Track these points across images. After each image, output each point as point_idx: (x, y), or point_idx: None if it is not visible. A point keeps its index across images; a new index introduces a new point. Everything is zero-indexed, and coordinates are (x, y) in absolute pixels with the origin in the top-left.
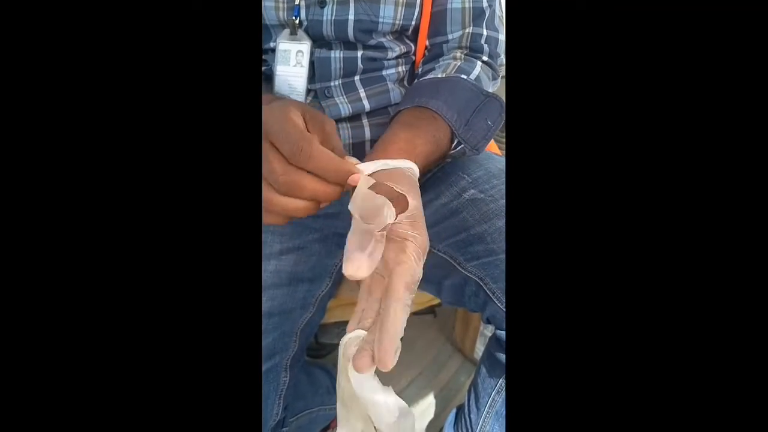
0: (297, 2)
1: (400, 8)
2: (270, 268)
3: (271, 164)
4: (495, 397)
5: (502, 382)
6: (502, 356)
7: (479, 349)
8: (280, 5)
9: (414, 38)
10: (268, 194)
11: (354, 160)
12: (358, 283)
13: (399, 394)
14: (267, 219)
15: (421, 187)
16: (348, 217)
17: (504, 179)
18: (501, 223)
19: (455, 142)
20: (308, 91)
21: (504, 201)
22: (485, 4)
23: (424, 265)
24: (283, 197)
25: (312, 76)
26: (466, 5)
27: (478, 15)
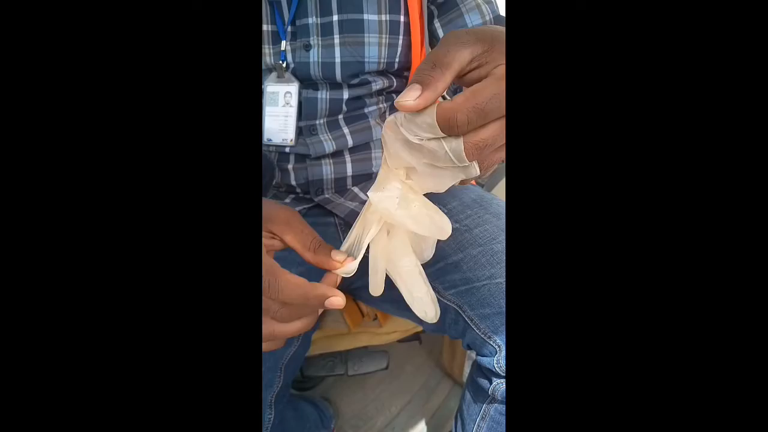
0: (283, 47)
1: (383, 48)
2: None
3: (264, 302)
4: (480, 423)
5: (485, 407)
6: (485, 382)
7: (468, 373)
8: (266, 50)
9: (397, 74)
10: (267, 328)
11: (340, 255)
12: (342, 314)
13: (390, 422)
14: (267, 347)
15: None
16: None
17: (476, 209)
18: (475, 251)
19: None
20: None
21: (478, 230)
22: (501, 12)
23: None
24: (289, 324)
25: (299, 115)
26: (487, 18)
27: (499, 21)
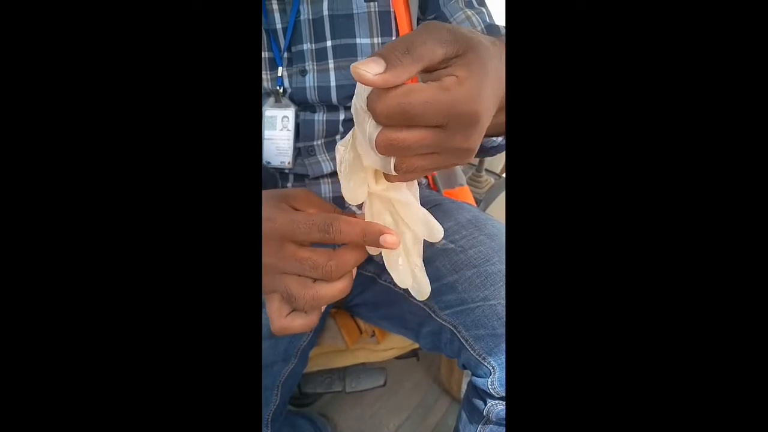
0: (280, 74)
1: None
2: None
3: (311, 260)
4: None
5: (481, 428)
6: (479, 403)
7: (465, 389)
8: (264, 76)
9: None
10: (310, 293)
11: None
12: (340, 331)
13: None
14: (305, 324)
15: None
16: None
17: (471, 230)
18: (470, 273)
19: None
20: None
21: (472, 251)
22: (489, 20)
23: (400, 312)
24: (332, 284)
25: (296, 137)
26: (478, 29)
27: (490, 30)
